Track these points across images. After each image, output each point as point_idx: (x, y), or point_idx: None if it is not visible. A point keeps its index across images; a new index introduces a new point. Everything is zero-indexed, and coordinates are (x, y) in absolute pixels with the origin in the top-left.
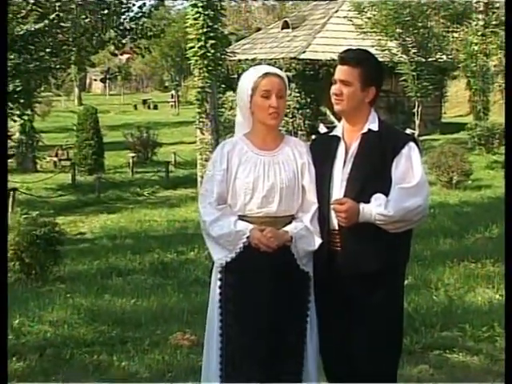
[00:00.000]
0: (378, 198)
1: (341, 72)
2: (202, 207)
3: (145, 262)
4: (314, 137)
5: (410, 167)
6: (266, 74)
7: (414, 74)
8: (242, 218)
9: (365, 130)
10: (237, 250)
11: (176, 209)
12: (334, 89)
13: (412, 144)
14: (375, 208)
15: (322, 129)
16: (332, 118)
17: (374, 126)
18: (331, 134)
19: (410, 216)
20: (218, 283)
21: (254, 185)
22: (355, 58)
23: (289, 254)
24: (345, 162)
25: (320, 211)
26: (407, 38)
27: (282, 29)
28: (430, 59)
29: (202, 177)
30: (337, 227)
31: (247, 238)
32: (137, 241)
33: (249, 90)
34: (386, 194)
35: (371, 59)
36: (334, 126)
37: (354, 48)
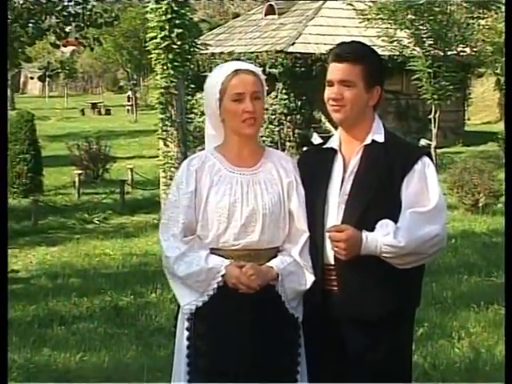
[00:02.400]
0: (384, 225)
1: (339, 71)
2: (164, 240)
3: (94, 307)
4: (304, 149)
5: (424, 187)
6: (236, 72)
7: (430, 70)
8: (215, 251)
9: (368, 141)
10: (209, 292)
11: (134, 239)
12: (330, 93)
13: (426, 159)
14: (382, 237)
15: (316, 139)
16: (328, 125)
17: (380, 137)
18: (325, 146)
19: (425, 248)
20: (186, 334)
21: (230, 211)
22: (355, 52)
23: (275, 296)
24: (343, 180)
25: (312, 242)
26: (421, 27)
27: (266, 15)
28: (449, 53)
29: (166, 199)
30: (333, 262)
31: (222, 276)
32: (84, 280)
33: (216, 94)
34: (394, 220)
35: (373, 53)
36: (331, 136)
37: (348, 41)
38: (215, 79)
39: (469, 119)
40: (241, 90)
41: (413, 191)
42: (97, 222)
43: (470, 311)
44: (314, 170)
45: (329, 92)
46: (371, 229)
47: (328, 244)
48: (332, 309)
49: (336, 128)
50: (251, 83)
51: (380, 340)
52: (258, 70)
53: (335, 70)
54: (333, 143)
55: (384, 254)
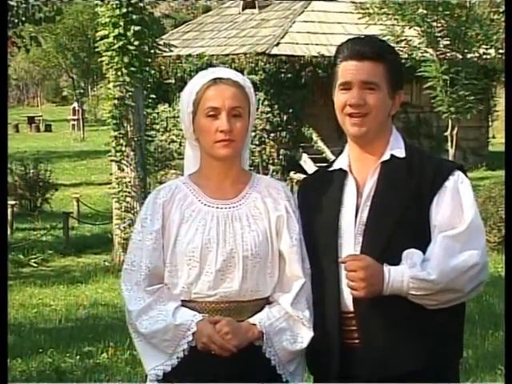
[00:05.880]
0: (410, 255)
1: (360, 70)
2: (126, 290)
3: (30, 370)
4: (303, 177)
5: (458, 207)
6: (215, 81)
7: (446, 77)
8: (187, 304)
9: (386, 156)
10: (179, 353)
11: (80, 286)
12: (350, 97)
13: (459, 173)
14: (408, 270)
15: (306, 161)
16: (321, 144)
17: (400, 152)
18: (331, 168)
19: (462, 282)
20: None
21: (203, 253)
22: (377, 48)
23: (262, 360)
24: (357, 207)
25: (325, 285)
26: (435, 24)
27: (244, 9)
28: (470, 55)
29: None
30: (351, 308)
31: (194, 334)
32: (18, 337)
33: (189, 106)
34: (423, 249)
35: (394, 51)
36: (324, 157)
37: (363, 36)
38: (191, 88)
39: (494, 137)
40: (216, 103)
41: (446, 213)
42: (34, 265)
43: (497, 374)
44: (320, 198)
45: (346, 97)
46: (397, 265)
47: (345, 287)
48: (353, 367)
49: (330, 146)
50: (230, 97)
51: None
52: (245, 81)
53: (355, 70)
54: (341, 163)
55: (412, 292)
